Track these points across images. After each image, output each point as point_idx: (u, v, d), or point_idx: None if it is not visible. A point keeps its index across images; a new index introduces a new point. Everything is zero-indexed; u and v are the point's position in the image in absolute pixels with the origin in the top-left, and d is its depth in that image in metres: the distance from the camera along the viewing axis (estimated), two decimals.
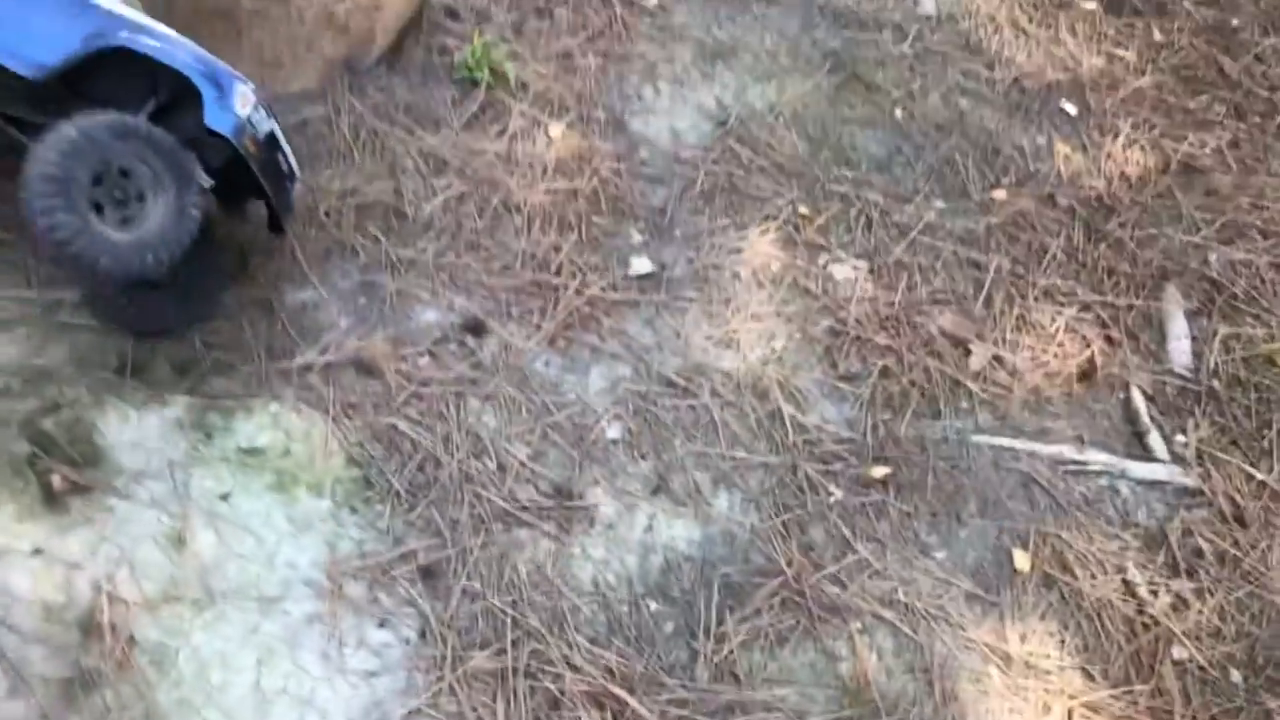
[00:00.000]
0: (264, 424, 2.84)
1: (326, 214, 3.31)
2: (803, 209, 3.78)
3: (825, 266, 3.65)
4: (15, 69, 2.53)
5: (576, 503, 2.91)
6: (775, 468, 3.11)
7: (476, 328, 3.19)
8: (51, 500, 2.54)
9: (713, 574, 2.85)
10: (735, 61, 4.23)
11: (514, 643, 2.61)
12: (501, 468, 2.92)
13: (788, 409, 3.23)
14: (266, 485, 2.74)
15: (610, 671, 2.61)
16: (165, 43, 2.65)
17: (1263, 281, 3.98)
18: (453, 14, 4.05)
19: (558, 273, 3.40)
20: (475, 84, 3.83)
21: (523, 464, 2.94)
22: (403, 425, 2.93)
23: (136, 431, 2.74)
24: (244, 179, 2.80)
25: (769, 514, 3.01)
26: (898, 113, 4.20)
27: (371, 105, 3.61)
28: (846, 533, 3.01)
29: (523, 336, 3.22)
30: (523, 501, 2.87)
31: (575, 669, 2.60)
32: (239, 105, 2.68)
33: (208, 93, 2.63)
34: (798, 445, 3.16)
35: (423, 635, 2.60)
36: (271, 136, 2.80)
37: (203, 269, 2.89)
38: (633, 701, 2.56)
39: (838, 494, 3.08)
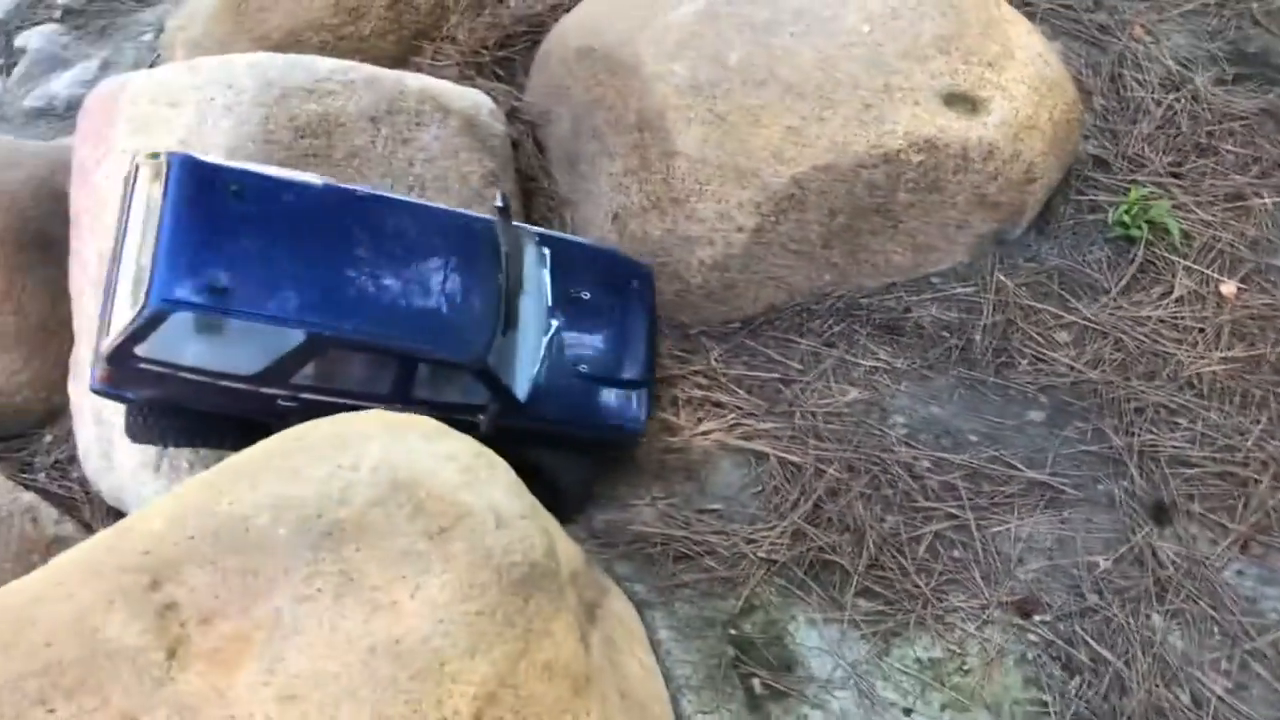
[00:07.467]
0: (936, 635, 2.90)
1: None
2: None
3: None
4: None
5: None
6: None
7: (1159, 516, 3.00)
8: (754, 705, 2.79)
9: None
10: None
11: None
12: (1196, 702, 2.69)
13: None
14: (945, 702, 2.78)
15: None
16: None
17: None
18: (1102, 164, 3.87)
19: (1245, 463, 3.08)
20: (1131, 241, 3.62)
21: (1220, 699, 2.69)
22: (1082, 642, 2.82)
23: (820, 638, 2.93)
24: None
25: None
26: None
27: (1022, 281, 3.56)
28: None
29: (1207, 540, 2.96)
30: None
31: None
32: None
33: None
34: None
35: None
36: None
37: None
38: None
39: None
